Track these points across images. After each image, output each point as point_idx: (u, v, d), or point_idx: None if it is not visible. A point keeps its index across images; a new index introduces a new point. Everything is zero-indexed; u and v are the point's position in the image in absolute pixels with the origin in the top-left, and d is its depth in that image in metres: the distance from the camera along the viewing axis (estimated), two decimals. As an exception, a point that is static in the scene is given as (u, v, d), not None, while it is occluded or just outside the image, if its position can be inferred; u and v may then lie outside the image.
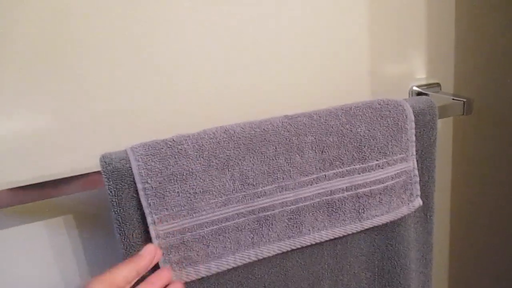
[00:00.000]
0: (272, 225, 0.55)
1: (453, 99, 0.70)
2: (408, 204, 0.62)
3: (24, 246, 0.56)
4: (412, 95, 0.76)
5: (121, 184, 0.48)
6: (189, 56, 0.59)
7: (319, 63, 0.68)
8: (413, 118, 0.61)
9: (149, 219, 0.49)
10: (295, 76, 0.66)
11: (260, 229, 0.54)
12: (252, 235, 0.54)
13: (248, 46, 0.62)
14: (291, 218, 0.55)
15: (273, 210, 0.54)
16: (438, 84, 0.77)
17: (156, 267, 0.50)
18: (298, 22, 0.64)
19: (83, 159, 0.56)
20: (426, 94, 0.74)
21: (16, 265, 0.57)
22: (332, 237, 0.58)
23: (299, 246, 0.57)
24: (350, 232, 0.59)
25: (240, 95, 0.63)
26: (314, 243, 0.58)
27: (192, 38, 0.59)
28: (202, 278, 0.54)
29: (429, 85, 0.77)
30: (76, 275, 0.60)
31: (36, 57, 0.52)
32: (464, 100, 0.68)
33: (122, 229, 0.50)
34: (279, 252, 0.56)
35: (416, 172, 0.62)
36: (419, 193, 0.63)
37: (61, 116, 0.54)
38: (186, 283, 0.53)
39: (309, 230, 0.57)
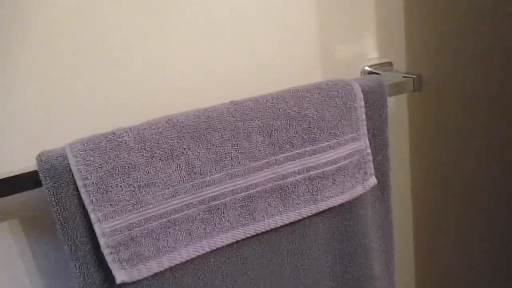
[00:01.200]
0: (224, 213, 0.53)
1: (404, 76, 0.70)
2: (363, 183, 0.62)
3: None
4: (364, 75, 0.75)
5: (59, 182, 0.47)
6: (134, 46, 0.57)
7: (270, 47, 0.67)
8: (362, 96, 0.61)
9: (92, 217, 0.48)
10: (246, 60, 0.65)
11: (212, 218, 0.53)
12: (204, 225, 0.53)
13: (199, 30, 0.61)
14: (243, 205, 0.54)
15: (224, 198, 0.53)
16: (390, 63, 0.78)
17: (108, 268, 0.49)
18: (249, 5, 0.63)
19: (21, 160, 0.53)
20: (377, 74, 0.74)
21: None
22: (287, 222, 0.58)
23: (253, 234, 0.56)
24: (306, 216, 0.59)
25: (191, 82, 0.62)
26: (269, 229, 0.57)
27: (140, 23, 0.57)
28: (156, 274, 0.52)
29: (381, 65, 0.77)
30: (27, 282, 0.57)
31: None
32: (414, 77, 0.68)
33: (65, 229, 0.48)
34: (234, 241, 0.55)
35: (369, 150, 0.62)
36: (373, 171, 0.63)
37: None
38: (139, 281, 0.51)
39: (263, 216, 0.56)
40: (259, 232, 0.56)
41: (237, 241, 0.56)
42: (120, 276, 0.49)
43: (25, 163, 0.52)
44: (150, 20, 0.58)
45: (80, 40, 0.54)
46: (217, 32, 0.62)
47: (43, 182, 0.46)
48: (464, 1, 0.69)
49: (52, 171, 0.46)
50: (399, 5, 0.77)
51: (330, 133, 0.58)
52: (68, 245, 0.48)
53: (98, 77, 0.56)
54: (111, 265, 0.49)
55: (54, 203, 0.47)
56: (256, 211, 0.55)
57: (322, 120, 0.58)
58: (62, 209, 0.47)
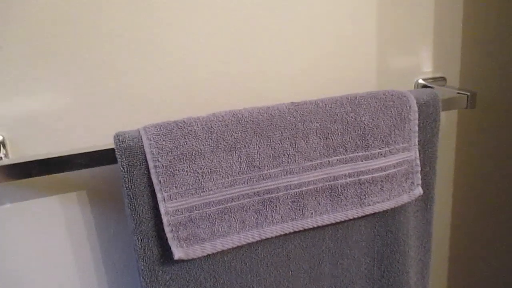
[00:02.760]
0: (276, 207, 0.57)
1: (458, 92, 0.71)
2: (409, 192, 0.64)
3: (37, 220, 0.59)
4: (417, 88, 0.77)
5: (133, 161, 0.51)
6: (202, 46, 0.61)
7: (328, 56, 0.69)
8: (416, 109, 0.63)
9: (159, 196, 0.52)
10: (304, 67, 0.68)
11: (264, 210, 0.56)
12: (256, 215, 0.56)
13: (258, 37, 0.64)
14: (294, 201, 0.58)
15: (278, 193, 0.56)
16: (443, 78, 0.79)
17: (167, 245, 0.53)
18: (310, 14, 0.66)
19: (99, 138, 0.58)
20: (431, 87, 0.75)
21: (29, 238, 0.59)
22: (333, 221, 0.60)
23: (301, 229, 0.59)
24: (351, 217, 0.61)
25: (248, 82, 0.66)
26: (316, 226, 0.60)
27: (203, 28, 0.61)
28: (208, 255, 0.56)
29: (434, 79, 0.78)
30: (87, 249, 0.63)
31: (55, 39, 0.54)
32: (468, 93, 0.70)
33: (133, 205, 0.52)
34: (282, 233, 0.58)
35: (418, 161, 0.64)
36: (419, 182, 0.65)
37: (79, 96, 0.57)
38: (192, 260, 0.55)
39: (312, 214, 0.59)
40: (306, 228, 0.59)
41: (284, 234, 0.60)
42: (178, 253, 0.53)
43: (99, 142, 0.56)
44: (218, 27, 0.61)
45: (164, 37, 0.59)
46: (277, 37, 0.65)
47: (118, 160, 0.51)
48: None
49: (128, 150, 0.50)
50: (457, 21, 0.78)
51: (382, 141, 0.61)
52: (133, 219, 0.53)
53: (174, 72, 0.60)
54: (171, 242, 0.53)
55: (126, 180, 0.51)
56: (306, 208, 0.58)
57: (376, 128, 0.60)
58: (132, 186, 0.51)
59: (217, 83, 0.64)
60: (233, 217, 0.55)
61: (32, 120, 0.56)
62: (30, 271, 0.60)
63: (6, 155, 0.55)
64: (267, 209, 0.57)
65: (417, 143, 0.63)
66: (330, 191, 0.59)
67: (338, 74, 0.71)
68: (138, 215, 0.53)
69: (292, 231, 0.59)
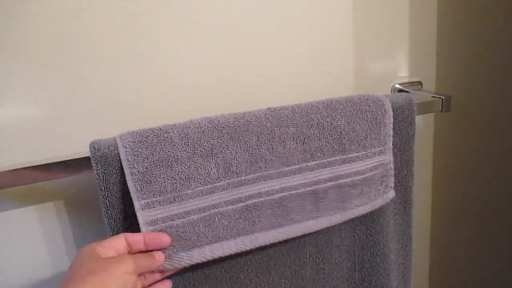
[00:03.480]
0: (261, 212, 0.56)
1: (433, 96, 0.72)
2: (384, 195, 0.65)
3: (13, 231, 0.58)
4: (394, 93, 0.78)
5: (109, 169, 0.51)
6: (180, 53, 0.62)
7: (303, 60, 0.70)
8: (391, 113, 0.64)
9: (136, 204, 0.51)
10: (279, 72, 0.69)
11: (251, 216, 0.56)
12: (243, 221, 0.56)
13: (236, 43, 0.65)
14: (279, 206, 0.57)
15: (260, 198, 0.56)
16: (419, 83, 0.80)
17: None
18: (285, 20, 0.67)
19: (75, 147, 0.58)
20: (407, 92, 0.77)
21: (6, 247, 0.58)
22: (320, 228, 0.60)
23: (292, 235, 0.59)
24: (335, 223, 0.61)
25: (226, 89, 0.66)
26: (305, 233, 0.59)
27: (183, 34, 0.61)
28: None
29: (410, 83, 0.79)
30: (65, 259, 0.62)
31: (31, 47, 0.54)
32: (443, 97, 0.71)
33: (110, 213, 0.52)
34: (275, 241, 0.58)
35: (392, 165, 0.65)
36: (392, 185, 0.65)
37: (55, 105, 0.57)
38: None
39: (299, 218, 0.59)
40: (297, 234, 0.59)
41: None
42: None
43: (75, 150, 0.56)
44: (199, 33, 0.62)
45: (142, 46, 0.59)
46: (250, 42, 0.66)
47: (94, 168, 0.50)
48: (497, 25, 0.71)
49: (103, 158, 0.50)
50: (432, 27, 0.80)
51: (359, 144, 0.61)
52: (111, 229, 0.52)
53: (149, 79, 0.61)
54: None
55: (103, 188, 0.51)
56: (293, 212, 0.58)
57: (353, 132, 0.61)
58: (109, 194, 0.51)
59: (193, 91, 0.64)
60: (218, 224, 0.55)
61: (6, 129, 0.55)
62: (5, 285, 0.59)
63: (-20, 166, 0.54)
64: (253, 215, 0.56)
65: (391, 146, 0.64)
66: (312, 196, 0.59)
67: (314, 79, 0.72)
68: (115, 224, 0.52)
69: (285, 238, 0.58)
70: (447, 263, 0.90)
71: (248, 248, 0.56)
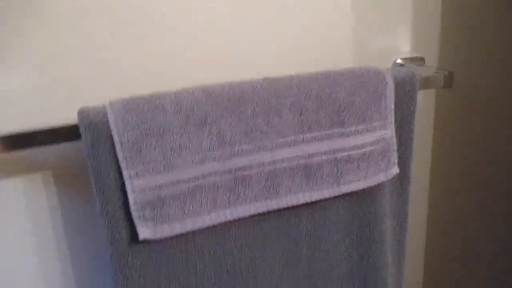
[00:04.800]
0: (249, 185, 0.55)
1: (435, 71, 0.70)
2: (386, 171, 0.63)
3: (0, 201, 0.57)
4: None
5: (98, 137, 0.49)
6: (176, 19, 0.59)
7: (304, 34, 0.68)
8: (393, 86, 0.61)
9: (125, 174, 0.50)
10: (279, 43, 0.67)
11: (237, 188, 0.55)
12: (228, 194, 0.54)
13: (232, 10, 0.62)
14: (268, 179, 0.56)
15: (250, 170, 0.55)
16: (422, 59, 0.78)
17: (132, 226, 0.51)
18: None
19: (64, 115, 0.56)
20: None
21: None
22: (309, 201, 0.59)
23: (275, 208, 0.57)
24: (328, 196, 0.60)
25: (223, 59, 0.64)
26: (291, 205, 0.58)
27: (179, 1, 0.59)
28: (178, 236, 0.54)
29: (412, 59, 0.77)
30: (53, 234, 0.60)
31: (22, 13, 0.52)
32: (446, 72, 0.69)
33: (99, 183, 0.50)
34: (255, 212, 0.56)
35: (394, 140, 0.63)
36: (396, 161, 0.63)
37: (44, 72, 0.54)
38: (162, 240, 0.53)
39: (287, 192, 0.57)
40: (281, 207, 0.58)
41: (259, 214, 0.58)
42: (143, 233, 0.51)
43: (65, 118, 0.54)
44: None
45: (136, 10, 0.56)
46: (248, 12, 0.63)
47: (82, 136, 0.48)
48: (503, 1, 0.69)
49: (92, 126, 0.48)
50: (437, 1, 0.77)
51: (358, 118, 0.59)
52: (99, 199, 0.50)
53: (143, 45, 0.58)
54: (136, 222, 0.51)
55: (91, 157, 0.49)
56: (280, 186, 0.57)
57: (352, 105, 0.59)
58: (97, 164, 0.49)
59: (191, 60, 0.62)
60: (204, 196, 0.53)
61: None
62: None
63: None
64: (240, 188, 0.55)
65: (393, 121, 0.62)
66: (305, 169, 0.58)
67: (314, 52, 0.69)
68: (104, 195, 0.50)
69: (266, 210, 0.57)
70: (443, 241, 0.89)
71: (228, 220, 0.55)
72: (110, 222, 0.51)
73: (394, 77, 0.62)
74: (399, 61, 0.76)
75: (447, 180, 0.85)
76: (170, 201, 0.52)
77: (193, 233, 0.55)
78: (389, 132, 0.62)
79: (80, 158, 0.55)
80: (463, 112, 0.79)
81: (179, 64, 0.61)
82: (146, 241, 0.52)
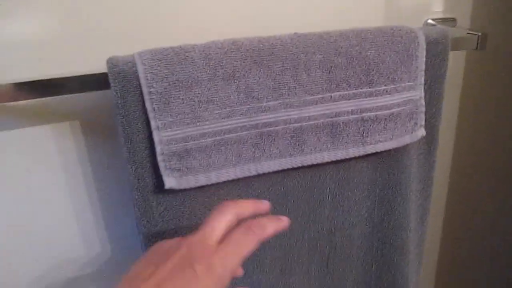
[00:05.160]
0: (274, 141, 0.55)
1: (468, 33, 0.68)
2: (412, 133, 0.62)
3: (29, 150, 0.58)
4: (426, 28, 0.74)
5: (126, 86, 0.49)
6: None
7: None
8: (424, 46, 0.60)
9: (153, 124, 0.50)
10: (309, 3, 0.65)
11: (262, 144, 0.55)
12: (253, 149, 0.55)
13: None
14: (293, 136, 0.56)
15: (276, 126, 0.54)
16: (453, 19, 0.75)
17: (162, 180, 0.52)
18: None
19: (92, 64, 0.56)
20: (441, 28, 0.72)
21: (20, 168, 0.58)
22: (334, 159, 0.59)
23: (300, 165, 0.57)
24: (353, 155, 0.59)
25: (251, 16, 0.63)
26: (315, 163, 0.58)
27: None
28: (202, 188, 0.55)
29: (444, 20, 0.75)
30: (81, 181, 0.61)
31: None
32: (479, 34, 0.67)
33: (127, 133, 0.50)
34: (279, 169, 0.57)
35: (423, 101, 0.62)
36: (423, 123, 0.62)
37: (72, 19, 0.54)
38: (186, 190, 0.54)
39: (311, 150, 0.57)
40: (305, 164, 0.58)
41: (282, 171, 0.58)
42: (169, 183, 0.52)
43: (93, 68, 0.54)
44: None
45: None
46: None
47: (111, 84, 0.48)
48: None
49: (121, 75, 0.48)
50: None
51: (388, 77, 0.58)
52: (127, 148, 0.51)
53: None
54: (163, 171, 0.52)
55: (120, 106, 0.49)
56: (305, 144, 0.57)
57: (382, 64, 0.57)
58: (126, 113, 0.49)
59: (218, 14, 0.61)
60: (230, 150, 0.53)
61: (22, 45, 0.53)
62: (20, 202, 0.59)
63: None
64: (265, 143, 0.55)
65: (423, 82, 0.61)
66: (331, 128, 0.57)
67: (345, 12, 0.68)
68: (132, 144, 0.51)
69: (290, 167, 0.57)
70: (463, 207, 0.89)
71: (252, 174, 0.55)
72: (136, 171, 0.52)
73: (426, 36, 0.60)
74: (430, 21, 0.74)
75: (473, 145, 0.84)
76: (196, 153, 0.52)
77: (217, 186, 0.56)
78: (418, 93, 0.61)
79: (108, 107, 0.55)
80: (493, 76, 0.77)
81: (208, 19, 0.60)
82: (171, 190, 0.53)
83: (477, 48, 0.67)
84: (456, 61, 0.80)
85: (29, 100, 0.54)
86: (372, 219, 0.67)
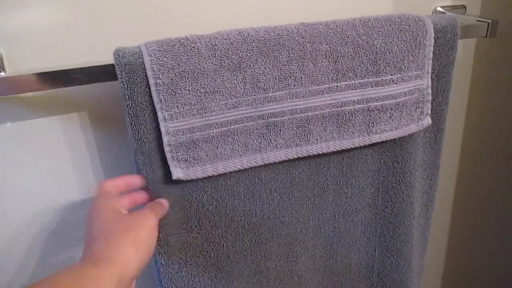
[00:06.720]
0: (280, 131, 0.55)
1: (478, 20, 0.67)
2: (418, 122, 0.62)
3: (37, 140, 0.58)
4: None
5: (133, 78, 0.49)
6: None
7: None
8: (433, 34, 0.59)
9: (159, 115, 0.50)
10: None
11: (268, 134, 0.55)
12: (260, 139, 0.55)
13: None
14: (299, 126, 0.56)
15: (282, 117, 0.55)
16: (463, 6, 0.74)
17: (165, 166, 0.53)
18: None
19: (100, 55, 0.56)
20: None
21: (29, 158, 0.59)
22: (339, 149, 0.59)
23: (305, 155, 0.58)
24: (358, 145, 0.60)
25: (261, 7, 0.62)
26: (321, 153, 0.58)
27: None
28: (210, 178, 0.56)
29: (454, 7, 0.74)
30: (89, 172, 0.62)
31: None
32: (489, 21, 0.66)
33: (134, 124, 0.51)
34: (286, 159, 0.57)
35: (429, 90, 0.61)
36: (429, 111, 0.62)
37: (79, 10, 0.54)
38: (194, 181, 0.55)
39: (317, 140, 0.58)
40: (311, 154, 0.58)
41: (288, 160, 0.59)
42: (176, 173, 0.53)
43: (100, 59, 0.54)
44: None
45: None
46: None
47: (118, 76, 0.49)
48: None
49: (128, 66, 0.48)
50: None
51: (395, 67, 0.58)
52: (134, 139, 0.52)
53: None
54: (170, 162, 0.52)
55: (127, 97, 0.49)
56: (311, 134, 0.57)
57: (389, 53, 0.57)
58: (133, 104, 0.50)
59: (224, 4, 0.60)
60: (236, 140, 0.54)
61: (30, 35, 0.53)
62: (30, 193, 0.60)
63: (3, 70, 0.53)
64: (271, 133, 0.55)
65: (430, 70, 0.61)
66: (337, 117, 0.57)
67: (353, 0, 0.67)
68: (139, 135, 0.52)
69: (296, 157, 0.58)
70: (472, 194, 0.89)
71: (258, 164, 0.56)
72: (144, 161, 0.53)
73: (434, 24, 0.60)
74: (439, 9, 0.73)
75: (481, 133, 0.84)
76: (203, 144, 0.53)
77: (224, 176, 0.57)
78: (425, 82, 0.61)
79: (116, 98, 0.56)
80: (503, 64, 0.76)
81: (213, 10, 0.60)
82: (179, 181, 0.54)
83: (486, 35, 0.66)
84: (466, 49, 0.79)
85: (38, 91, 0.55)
86: (376, 206, 0.68)
